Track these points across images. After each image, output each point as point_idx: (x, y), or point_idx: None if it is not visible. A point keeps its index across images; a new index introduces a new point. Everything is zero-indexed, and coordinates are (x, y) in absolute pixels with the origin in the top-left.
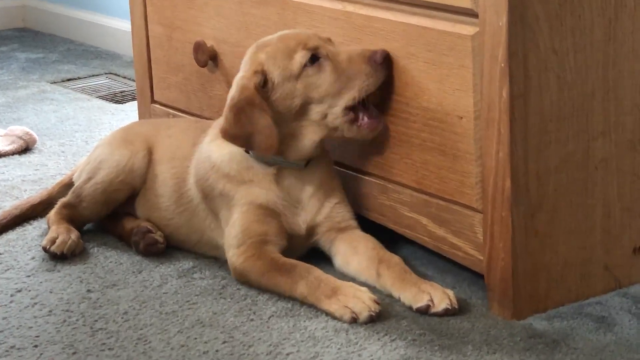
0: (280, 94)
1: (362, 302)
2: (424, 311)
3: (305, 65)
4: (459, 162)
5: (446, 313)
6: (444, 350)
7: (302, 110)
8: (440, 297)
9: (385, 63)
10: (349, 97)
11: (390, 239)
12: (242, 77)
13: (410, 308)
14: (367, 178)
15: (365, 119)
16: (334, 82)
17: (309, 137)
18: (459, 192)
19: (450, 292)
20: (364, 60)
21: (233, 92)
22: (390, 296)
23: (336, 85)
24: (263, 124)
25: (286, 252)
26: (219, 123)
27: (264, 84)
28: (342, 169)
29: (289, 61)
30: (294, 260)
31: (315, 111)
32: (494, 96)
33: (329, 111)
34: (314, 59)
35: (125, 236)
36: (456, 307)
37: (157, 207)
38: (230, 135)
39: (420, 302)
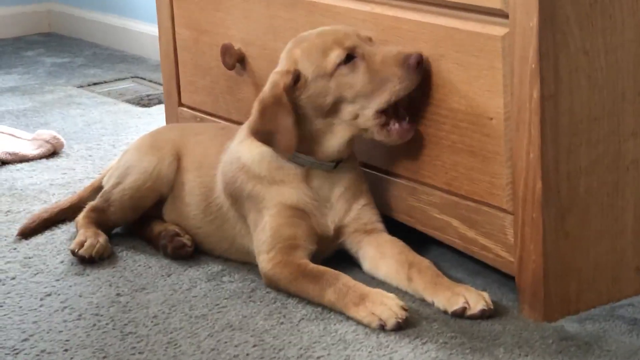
0: (312, 91)
1: (389, 309)
2: (460, 314)
3: (339, 64)
4: (489, 164)
5: (483, 314)
6: (475, 353)
7: (334, 108)
8: (475, 298)
9: (419, 67)
10: (380, 100)
11: (419, 241)
12: (276, 72)
13: (444, 312)
14: (396, 180)
15: (396, 125)
16: (367, 83)
17: (339, 135)
18: (490, 193)
19: (485, 294)
20: (397, 63)
21: (266, 85)
22: (422, 300)
23: (369, 87)
24: (285, 125)
25: (314, 254)
26: (247, 125)
27: (296, 81)
28: (371, 171)
29: (323, 59)
30: (322, 266)
31: (347, 110)
32: (525, 97)
33: (360, 112)
34: (349, 58)
35: (154, 240)
36: (492, 307)
37: (185, 215)
38: (253, 129)
39: (455, 305)
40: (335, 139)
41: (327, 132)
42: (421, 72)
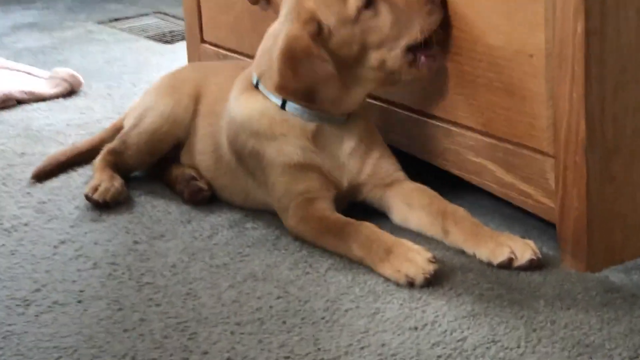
0: (337, 41)
1: (415, 264)
2: (507, 265)
3: (360, 9)
4: (528, 104)
5: (531, 264)
6: (514, 306)
7: (359, 57)
8: (521, 248)
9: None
10: (409, 37)
11: (451, 185)
12: (290, 28)
13: (489, 264)
14: (430, 121)
15: (423, 58)
16: (394, 25)
17: (363, 85)
18: (529, 135)
19: (531, 242)
20: None
21: (282, 45)
22: (461, 252)
23: (395, 28)
24: (325, 73)
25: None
26: (244, 76)
27: (318, 33)
28: (404, 112)
29: (342, 5)
30: (344, 218)
31: (374, 57)
32: (568, 32)
33: (387, 55)
34: (369, 1)
35: (172, 184)
36: (540, 257)
37: (199, 164)
38: (289, 91)
39: (501, 256)
40: (358, 91)
41: (349, 84)
42: (444, 4)
